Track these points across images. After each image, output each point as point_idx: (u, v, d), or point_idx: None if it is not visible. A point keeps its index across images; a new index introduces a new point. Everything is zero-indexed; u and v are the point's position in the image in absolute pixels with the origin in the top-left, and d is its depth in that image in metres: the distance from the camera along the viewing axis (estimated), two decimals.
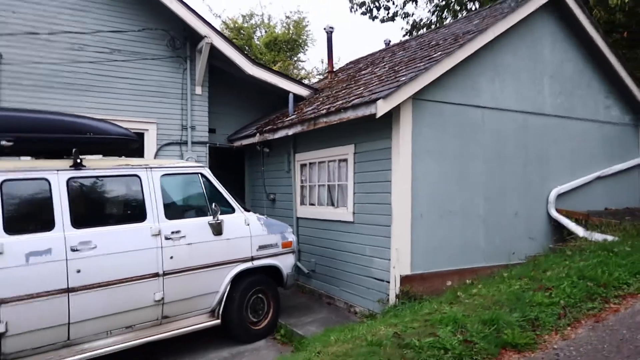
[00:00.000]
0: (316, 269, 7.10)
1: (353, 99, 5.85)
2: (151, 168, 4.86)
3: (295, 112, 7.75)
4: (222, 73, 8.77)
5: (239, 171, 9.84)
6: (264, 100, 9.49)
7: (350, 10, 17.48)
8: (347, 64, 12.37)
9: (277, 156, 8.34)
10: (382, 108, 5.15)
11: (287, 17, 23.79)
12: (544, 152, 6.78)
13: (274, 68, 16.09)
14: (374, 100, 5.18)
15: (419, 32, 15.18)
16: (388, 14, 16.89)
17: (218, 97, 8.88)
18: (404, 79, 5.51)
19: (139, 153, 7.65)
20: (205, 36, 7.78)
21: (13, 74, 7.00)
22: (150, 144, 7.95)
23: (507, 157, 6.41)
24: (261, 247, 5.47)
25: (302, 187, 7.61)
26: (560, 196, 6.82)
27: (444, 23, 14.28)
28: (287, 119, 7.52)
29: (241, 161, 9.86)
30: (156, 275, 4.62)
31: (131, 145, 5.16)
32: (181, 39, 8.20)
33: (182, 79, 8.27)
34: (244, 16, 22.97)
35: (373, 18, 17.00)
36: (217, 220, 5.05)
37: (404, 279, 5.45)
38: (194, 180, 5.19)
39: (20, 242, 3.96)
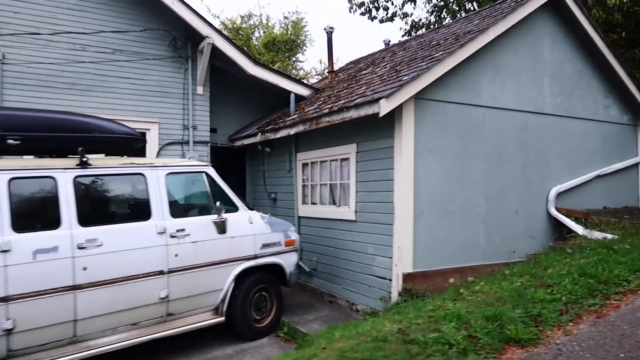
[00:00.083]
0: (318, 267, 7.13)
1: (355, 99, 5.89)
2: (156, 167, 4.89)
3: (297, 112, 7.78)
4: (223, 73, 8.80)
5: (240, 171, 9.86)
6: (265, 100, 9.53)
7: (350, 11, 17.60)
8: (347, 64, 12.38)
9: (279, 155, 8.38)
10: (385, 107, 5.19)
11: (286, 18, 23.90)
12: (544, 151, 6.83)
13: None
14: (377, 100, 5.22)
15: (418, 33, 15.25)
16: (387, 14, 17.00)
17: (219, 97, 8.92)
18: (406, 78, 5.55)
19: (141, 153, 7.67)
20: (207, 36, 7.81)
21: (15, 74, 7.03)
22: (152, 144, 7.98)
23: (507, 157, 6.46)
24: (264, 246, 5.50)
25: (303, 187, 7.65)
26: (560, 195, 6.88)
27: (443, 23, 14.35)
28: (289, 118, 7.56)
29: (242, 161, 9.89)
30: (161, 273, 4.65)
31: (136, 144, 5.19)
32: (182, 39, 8.23)
33: (184, 79, 8.31)
34: (242, 17, 23.07)
35: (372, 18, 17.10)
36: (221, 218, 5.07)
37: (407, 277, 5.49)
38: (199, 179, 5.22)
39: (28, 240, 3.99)
